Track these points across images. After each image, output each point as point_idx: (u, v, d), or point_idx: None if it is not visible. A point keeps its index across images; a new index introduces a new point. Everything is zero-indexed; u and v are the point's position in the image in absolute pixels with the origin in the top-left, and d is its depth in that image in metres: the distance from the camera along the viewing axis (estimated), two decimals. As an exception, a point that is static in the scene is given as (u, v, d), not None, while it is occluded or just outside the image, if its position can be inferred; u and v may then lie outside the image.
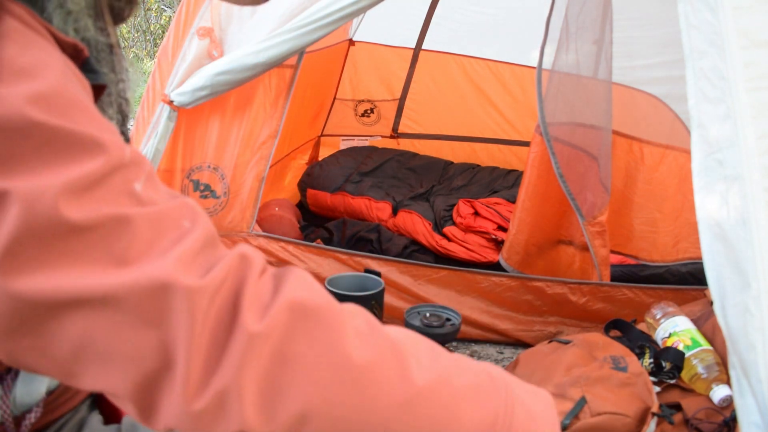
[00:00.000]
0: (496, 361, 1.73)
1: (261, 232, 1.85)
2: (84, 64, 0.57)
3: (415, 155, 3.05)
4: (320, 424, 0.50)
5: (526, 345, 1.74)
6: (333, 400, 0.51)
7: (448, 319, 1.49)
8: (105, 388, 0.50)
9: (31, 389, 0.63)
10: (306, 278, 0.54)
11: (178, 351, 0.48)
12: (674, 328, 1.36)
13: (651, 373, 1.30)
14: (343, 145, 3.23)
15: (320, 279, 1.63)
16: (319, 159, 3.07)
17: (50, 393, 0.65)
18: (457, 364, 0.59)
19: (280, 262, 1.81)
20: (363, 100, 3.23)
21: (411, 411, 0.54)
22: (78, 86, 0.53)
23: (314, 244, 1.92)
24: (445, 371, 0.57)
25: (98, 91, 0.62)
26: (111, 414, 0.74)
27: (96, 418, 0.72)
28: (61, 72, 0.51)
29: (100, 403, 0.75)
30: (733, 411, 1.14)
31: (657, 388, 1.27)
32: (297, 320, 0.50)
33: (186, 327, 0.47)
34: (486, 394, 0.58)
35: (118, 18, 0.69)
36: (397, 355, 0.54)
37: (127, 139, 0.79)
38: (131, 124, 1.02)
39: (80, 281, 0.47)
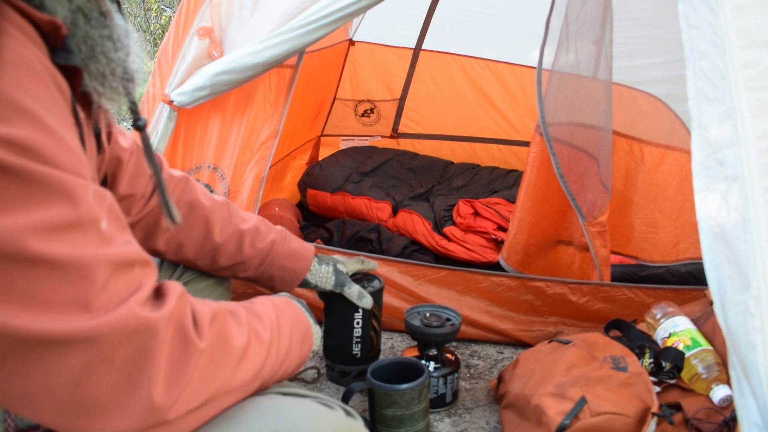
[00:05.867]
0: (496, 361, 1.73)
1: (261, 232, 1.85)
2: (62, 44, 0.57)
3: (415, 155, 3.05)
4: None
5: (526, 345, 1.74)
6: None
7: (448, 319, 1.49)
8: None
9: None
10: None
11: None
12: (674, 328, 1.36)
13: (651, 373, 1.30)
14: (343, 145, 3.23)
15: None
16: (319, 159, 3.07)
17: None
18: (273, 314, 0.83)
19: (280, 262, 1.81)
20: (363, 100, 3.23)
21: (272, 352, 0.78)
22: (58, 118, 0.54)
23: (314, 244, 1.91)
24: (278, 321, 0.82)
25: (77, 72, 0.61)
26: None
27: None
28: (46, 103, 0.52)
29: None
30: (733, 411, 1.14)
31: (657, 388, 1.27)
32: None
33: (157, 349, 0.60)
34: (299, 320, 0.89)
35: None
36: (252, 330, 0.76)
37: (138, 116, 0.77)
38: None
39: (49, 325, 0.51)
